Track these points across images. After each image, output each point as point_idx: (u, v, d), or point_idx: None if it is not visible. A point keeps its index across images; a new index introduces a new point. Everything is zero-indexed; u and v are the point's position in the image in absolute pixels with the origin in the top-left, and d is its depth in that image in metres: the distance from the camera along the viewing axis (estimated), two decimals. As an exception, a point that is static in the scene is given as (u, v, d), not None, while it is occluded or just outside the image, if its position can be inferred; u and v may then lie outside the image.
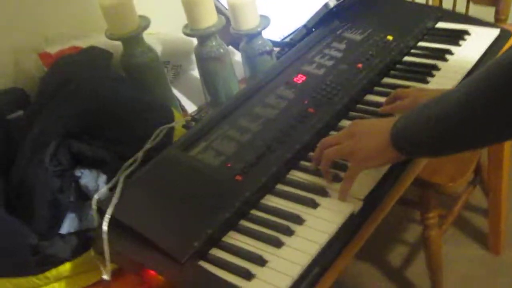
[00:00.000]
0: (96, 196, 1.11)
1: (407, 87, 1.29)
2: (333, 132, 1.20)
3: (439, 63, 1.36)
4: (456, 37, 1.44)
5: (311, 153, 1.15)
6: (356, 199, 1.04)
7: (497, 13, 1.81)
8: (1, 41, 1.40)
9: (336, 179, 1.08)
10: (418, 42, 1.46)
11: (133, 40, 1.36)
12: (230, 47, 1.64)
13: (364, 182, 1.06)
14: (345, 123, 1.23)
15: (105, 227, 1.02)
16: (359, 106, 1.27)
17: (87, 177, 1.18)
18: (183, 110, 1.53)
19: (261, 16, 1.48)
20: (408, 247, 2.22)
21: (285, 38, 1.64)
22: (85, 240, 1.12)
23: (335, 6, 1.47)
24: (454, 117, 0.87)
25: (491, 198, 1.99)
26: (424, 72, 1.34)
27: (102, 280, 1.06)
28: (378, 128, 1.01)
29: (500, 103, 0.80)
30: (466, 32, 1.45)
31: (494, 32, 1.44)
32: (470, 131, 0.87)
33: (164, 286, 0.97)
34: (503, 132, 0.84)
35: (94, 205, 1.11)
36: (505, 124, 0.82)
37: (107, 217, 1.03)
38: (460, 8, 1.98)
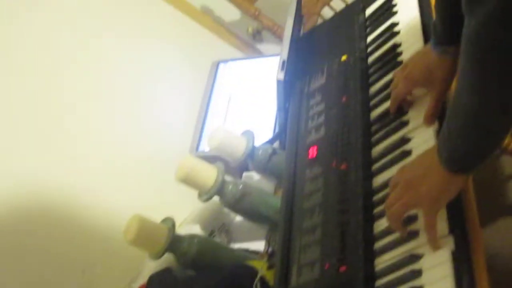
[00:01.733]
0: None
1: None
2: (375, 166, 1.20)
3: (396, 39, 1.37)
4: (388, 9, 1.46)
5: (375, 197, 1.15)
6: (443, 238, 0.99)
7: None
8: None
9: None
10: (366, 39, 1.48)
11: (174, 243, 1.39)
12: (244, 174, 1.68)
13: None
14: (377, 149, 1.22)
15: None
16: (373, 127, 1.27)
17: None
18: (258, 253, 1.54)
19: (244, 133, 1.53)
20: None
21: (274, 130, 1.67)
22: None
23: (285, 75, 1.51)
24: (474, 117, 0.87)
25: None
26: (392, 56, 1.34)
27: None
28: (428, 165, 0.98)
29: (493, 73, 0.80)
30: (391, -1, 1.48)
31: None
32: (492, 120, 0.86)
33: None
34: None
35: None
36: None
37: None
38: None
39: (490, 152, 0.92)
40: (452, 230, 0.99)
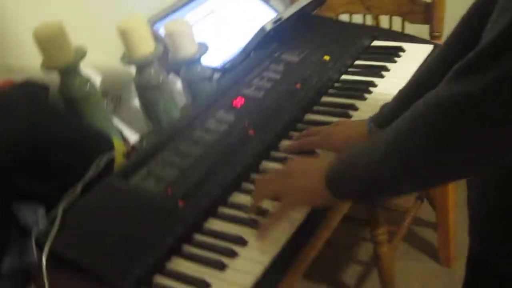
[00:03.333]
0: (35, 231, 1.09)
1: (346, 105, 1.31)
2: (274, 153, 1.21)
3: (376, 80, 1.38)
4: (391, 54, 1.47)
5: (252, 175, 1.15)
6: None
7: (431, 30, 1.85)
8: None
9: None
10: (355, 60, 1.49)
11: (69, 72, 1.34)
12: (171, 74, 1.64)
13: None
14: (286, 143, 1.23)
15: (44, 261, 1.00)
16: (299, 125, 1.28)
17: (25, 212, 1.15)
18: (126, 140, 1.51)
19: (199, 43, 1.49)
20: (361, 265, 2.23)
21: (225, 64, 1.64)
22: (26, 277, 1.09)
23: (272, 29, 1.49)
24: (387, 167, 0.82)
25: (438, 212, 2.01)
26: (361, 89, 1.36)
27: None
28: (314, 168, 0.97)
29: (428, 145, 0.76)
30: (400, 49, 1.49)
31: (427, 48, 1.47)
32: (403, 179, 0.83)
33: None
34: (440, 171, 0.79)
35: (33, 240, 1.08)
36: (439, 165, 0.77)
37: (45, 250, 1.01)
38: (397, 27, 2.02)
39: (366, 197, 0.95)
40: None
